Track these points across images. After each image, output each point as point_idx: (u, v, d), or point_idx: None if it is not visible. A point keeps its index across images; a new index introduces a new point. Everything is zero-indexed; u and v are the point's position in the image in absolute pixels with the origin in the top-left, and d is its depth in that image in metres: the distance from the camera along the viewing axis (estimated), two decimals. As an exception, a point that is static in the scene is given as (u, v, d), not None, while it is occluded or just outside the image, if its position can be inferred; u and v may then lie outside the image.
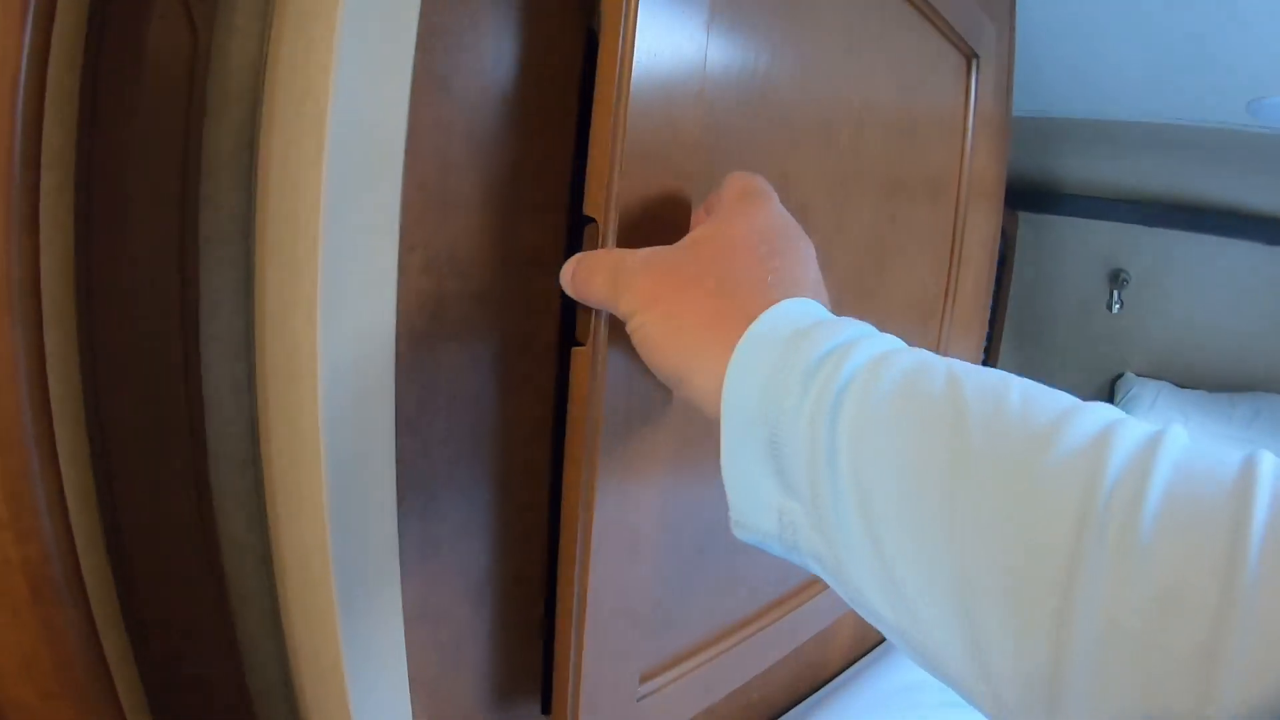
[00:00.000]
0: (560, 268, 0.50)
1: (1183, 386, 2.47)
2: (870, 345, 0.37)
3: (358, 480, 0.47)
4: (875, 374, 0.34)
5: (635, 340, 0.43)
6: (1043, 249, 2.49)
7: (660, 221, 0.55)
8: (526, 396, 0.58)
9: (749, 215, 0.45)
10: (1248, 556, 0.24)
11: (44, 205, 0.41)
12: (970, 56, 1.04)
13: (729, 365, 0.37)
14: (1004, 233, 2.39)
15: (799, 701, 1.01)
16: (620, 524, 0.59)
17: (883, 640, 1.18)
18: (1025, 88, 1.78)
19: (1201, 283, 2.37)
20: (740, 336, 0.38)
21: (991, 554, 0.29)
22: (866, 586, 0.34)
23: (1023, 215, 2.45)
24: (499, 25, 0.50)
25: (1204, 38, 1.45)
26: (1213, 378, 2.48)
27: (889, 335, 0.40)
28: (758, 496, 0.38)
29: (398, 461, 0.49)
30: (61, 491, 0.43)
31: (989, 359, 2.49)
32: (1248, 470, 0.27)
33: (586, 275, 0.47)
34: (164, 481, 0.52)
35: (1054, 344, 2.68)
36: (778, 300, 0.40)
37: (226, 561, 0.54)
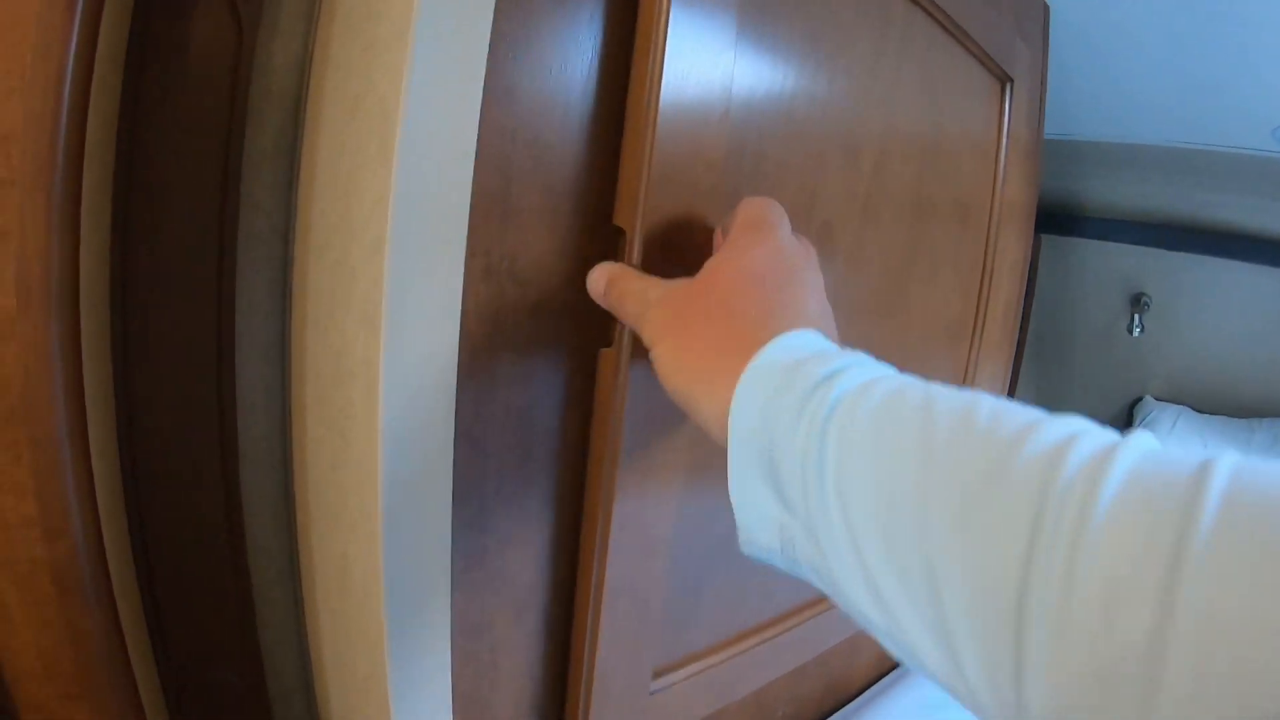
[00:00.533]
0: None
1: (1202, 411, 2.44)
2: (860, 372, 0.39)
3: (415, 489, 0.47)
4: (860, 396, 0.37)
5: (654, 368, 0.47)
6: (1065, 271, 2.48)
7: (684, 234, 0.57)
8: (579, 408, 0.58)
9: (756, 247, 0.48)
10: (1194, 545, 0.25)
11: (85, 201, 0.41)
12: (1004, 80, 1.04)
13: (734, 393, 0.40)
14: (1029, 252, 2.40)
15: (825, 717, 1.01)
16: (638, 520, 0.61)
17: None
18: (1052, 111, 1.78)
19: (1223, 308, 2.34)
20: (745, 367, 0.40)
21: (956, 558, 0.30)
22: (855, 595, 0.36)
23: (1045, 237, 2.42)
24: (562, 34, 0.51)
25: (1230, 65, 1.45)
26: (1233, 402, 2.46)
27: (883, 364, 0.42)
28: (761, 514, 0.41)
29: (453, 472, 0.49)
30: (92, 490, 0.43)
31: (1010, 380, 2.47)
32: (1205, 468, 0.27)
33: (619, 298, 0.50)
34: (193, 481, 0.51)
35: (1074, 366, 2.66)
36: (782, 332, 0.42)
37: (252, 565, 0.54)
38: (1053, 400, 2.75)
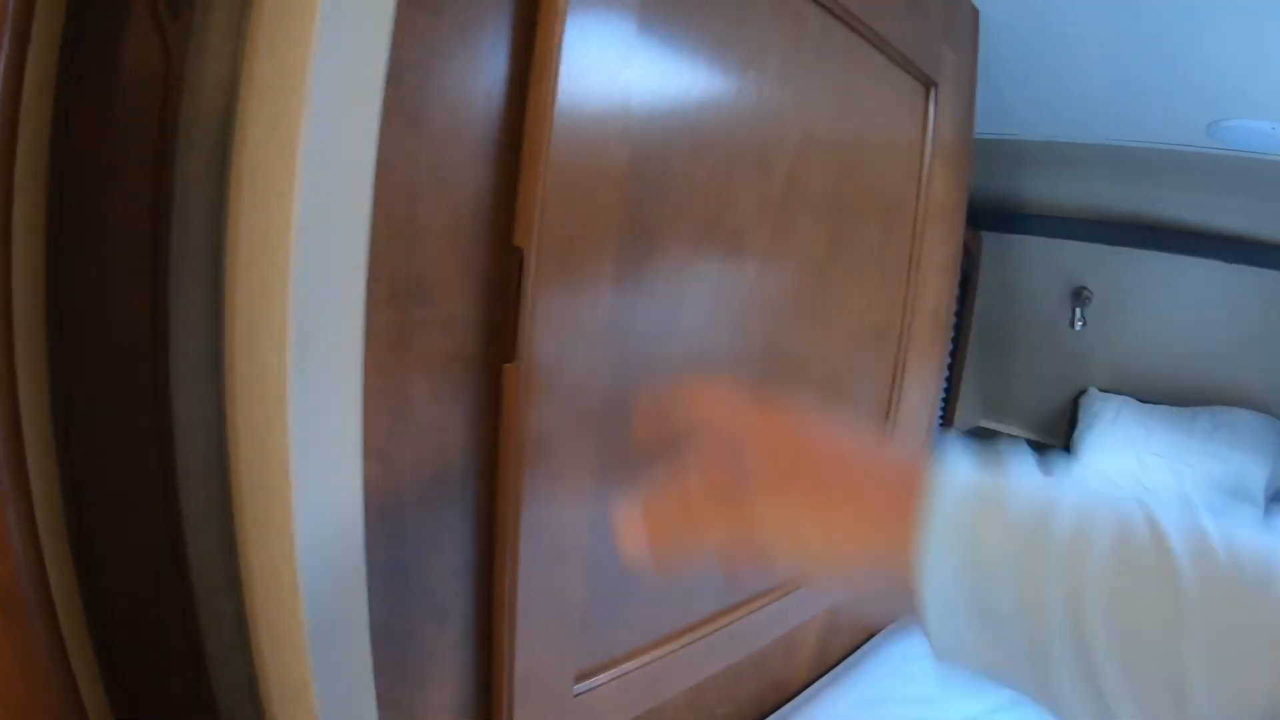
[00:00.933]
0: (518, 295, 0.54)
1: (1145, 401, 2.50)
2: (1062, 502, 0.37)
3: (325, 505, 0.48)
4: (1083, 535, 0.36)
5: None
6: (1006, 268, 2.53)
7: (587, 251, 0.59)
8: (488, 422, 0.60)
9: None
10: None
11: (16, 224, 0.42)
12: (929, 84, 1.07)
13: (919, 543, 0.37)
14: (967, 251, 2.42)
15: (765, 716, 1.03)
16: (550, 527, 0.63)
17: (850, 654, 1.19)
18: (988, 111, 1.79)
19: (1162, 300, 2.41)
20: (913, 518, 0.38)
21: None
22: (1066, 693, 0.36)
23: (986, 234, 2.48)
24: (468, 61, 0.52)
25: (1165, 62, 1.49)
26: (1175, 392, 2.52)
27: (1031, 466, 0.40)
28: (968, 652, 0.38)
29: (366, 488, 0.50)
30: (31, 510, 0.44)
31: (952, 375, 2.53)
32: None
33: None
34: (132, 499, 0.52)
35: (1019, 360, 2.72)
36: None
37: (195, 579, 0.55)
38: (999, 393, 2.82)
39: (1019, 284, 2.55)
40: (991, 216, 2.37)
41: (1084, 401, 2.56)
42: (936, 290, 1.22)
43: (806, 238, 0.86)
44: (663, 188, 0.66)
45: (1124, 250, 2.32)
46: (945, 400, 2.57)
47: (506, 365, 0.57)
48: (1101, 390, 2.58)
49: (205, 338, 0.52)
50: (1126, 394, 2.55)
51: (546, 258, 0.56)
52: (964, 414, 2.78)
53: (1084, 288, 2.44)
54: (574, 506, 0.65)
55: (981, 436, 2.80)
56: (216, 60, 0.49)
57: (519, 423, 0.57)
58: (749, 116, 0.74)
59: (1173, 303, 2.39)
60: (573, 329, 0.61)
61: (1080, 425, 2.48)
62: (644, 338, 0.69)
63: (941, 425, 2.57)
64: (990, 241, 2.49)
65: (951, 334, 1.33)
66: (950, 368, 2.52)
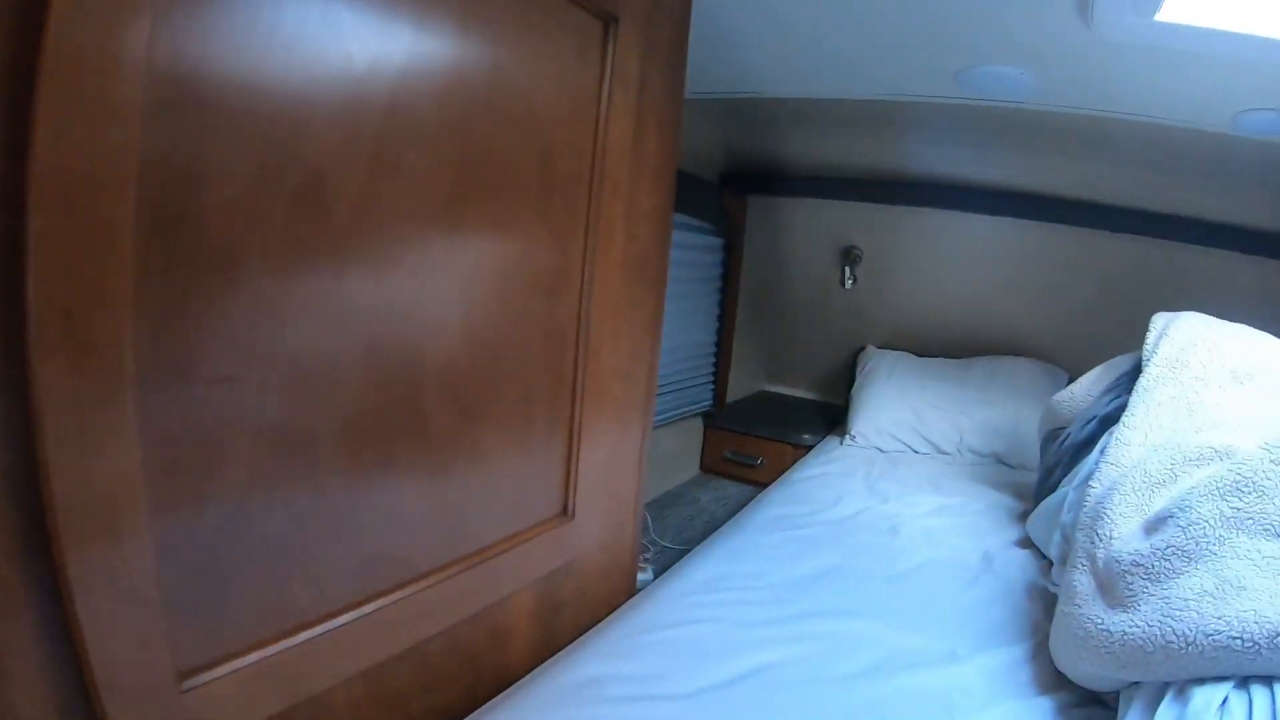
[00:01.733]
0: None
1: (921, 355, 2.60)
2: None
3: None
4: None
5: None
6: (774, 231, 2.56)
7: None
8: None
9: None
10: None
11: None
12: (606, 19, 0.99)
13: None
14: (730, 216, 2.43)
15: (478, 705, 0.95)
16: (99, 526, 0.58)
17: (573, 639, 1.14)
18: (740, 72, 1.84)
19: (931, 255, 2.48)
20: None
21: None
22: None
23: (751, 199, 2.50)
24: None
25: (908, 13, 1.52)
26: (950, 344, 2.63)
27: None
28: None
29: None
30: None
31: (722, 342, 2.58)
32: None
33: None
34: None
35: (795, 323, 2.77)
36: None
37: None
38: (780, 357, 2.87)
39: (789, 247, 2.58)
40: (755, 180, 2.39)
41: (863, 359, 2.62)
42: (645, 239, 1.16)
43: (422, 182, 0.77)
44: (201, 126, 0.59)
45: (889, 207, 2.37)
46: (715, 367, 2.60)
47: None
48: (878, 347, 2.66)
49: None
50: (903, 349, 2.63)
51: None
52: (747, 380, 2.83)
53: (853, 246, 2.49)
54: (124, 502, 0.59)
55: (766, 401, 2.85)
56: None
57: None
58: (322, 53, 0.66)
59: (940, 257, 2.47)
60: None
61: (857, 383, 2.53)
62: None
63: (714, 391, 2.61)
64: (756, 206, 2.50)
65: (663, 290, 1.27)
66: (719, 333, 2.54)
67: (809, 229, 2.52)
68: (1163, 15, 1.27)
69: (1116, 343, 1.77)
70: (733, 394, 2.72)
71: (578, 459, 1.11)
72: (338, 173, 0.67)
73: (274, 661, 0.71)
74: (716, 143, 2.33)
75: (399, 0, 0.71)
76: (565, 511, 1.12)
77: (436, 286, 0.82)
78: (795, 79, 1.92)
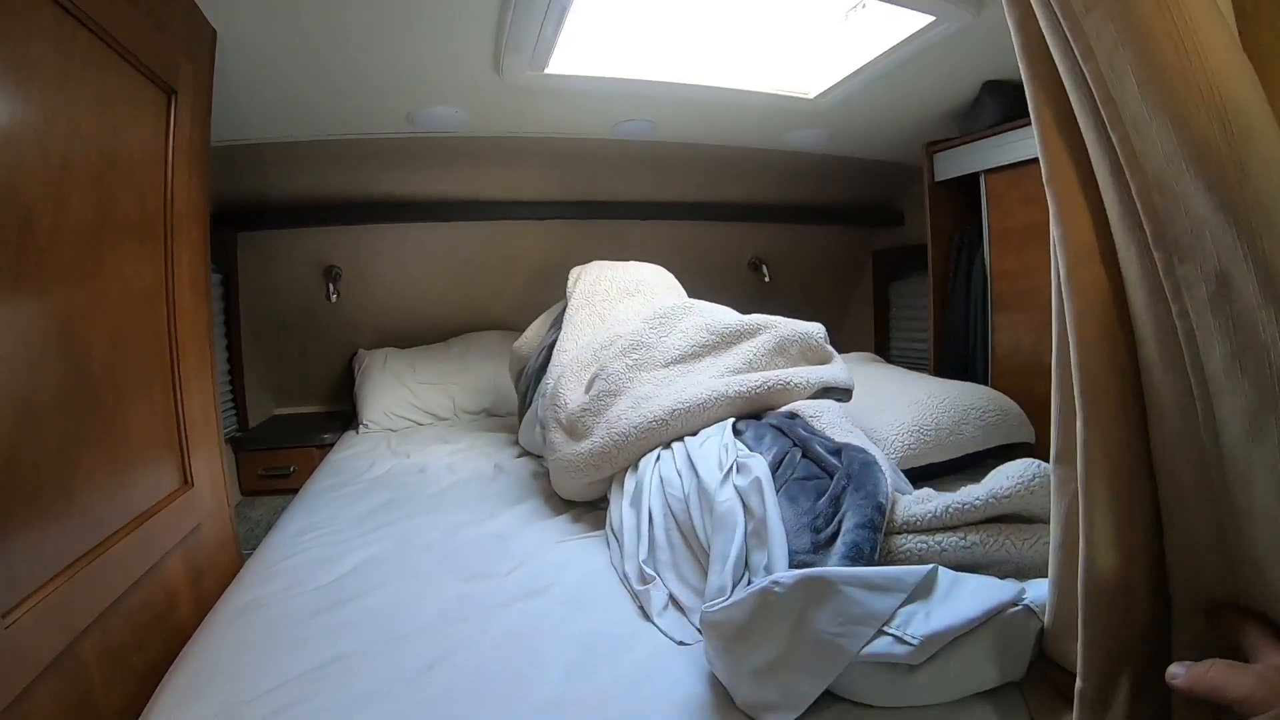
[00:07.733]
0: None
1: (404, 348, 3.00)
2: None
3: None
4: None
5: None
6: (263, 261, 2.72)
7: None
8: None
9: None
10: None
11: None
12: (169, 92, 1.30)
13: None
14: (226, 251, 2.60)
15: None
16: None
17: (223, 589, 1.38)
18: (229, 120, 2.01)
19: (399, 262, 2.88)
20: None
21: None
22: None
23: (242, 235, 2.64)
24: None
25: (369, 65, 1.82)
26: (429, 332, 3.07)
27: None
28: None
29: None
30: None
31: (233, 372, 2.68)
32: None
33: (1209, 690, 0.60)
34: None
35: (292, 341, 2.97)
36: None
37: None
38: (286, 379, 3.09)
39: (277, 274, 2.78)
40: (244, 216, 2.56)
41: (358, 360, 2.97)
42: (191, 262, 1.43)
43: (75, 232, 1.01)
44: None
45: (359, 227, 2.73)
46: (234, 395, 2.71)
47: None
48: (368, 349, 3.03)
49: None
50: (389, 346, 3.04)
51: None
52: (259, 407, 2.96)
53: (333, 265, 2.81)
54: None
55: (283, 421, 2.99)
56: None
57: None
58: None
59: (408, 263, 2.90)
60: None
61: (357, 382, 2.87)
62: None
63: (236, 418, 2.73)
64: (245, 241, 2.67)
65: (223, 325, 1.52)
66: (229, 363, 2.68)
67: (292, 255, 2.75)
68: (550, 70, 1.88)
69: (554, 300, 2.32)
70: (252, 420, 2.85)
71: (186, 433, 1.37)
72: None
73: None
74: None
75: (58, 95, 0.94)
76: (186, 482, 1.37)
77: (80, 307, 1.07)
78: (278, 124, 2.20)
